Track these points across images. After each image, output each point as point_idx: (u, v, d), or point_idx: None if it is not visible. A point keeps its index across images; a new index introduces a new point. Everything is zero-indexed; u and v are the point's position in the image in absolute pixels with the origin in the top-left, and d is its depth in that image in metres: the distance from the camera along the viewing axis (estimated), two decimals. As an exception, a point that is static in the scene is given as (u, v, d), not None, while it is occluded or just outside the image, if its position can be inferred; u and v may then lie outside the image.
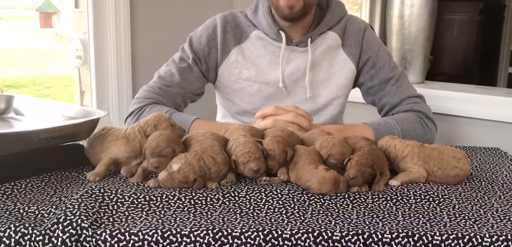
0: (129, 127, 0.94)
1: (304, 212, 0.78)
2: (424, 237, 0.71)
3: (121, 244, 0.68)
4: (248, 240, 0.70)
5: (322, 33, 1.31)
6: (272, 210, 0.79)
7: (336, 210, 0.79)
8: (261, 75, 1.31)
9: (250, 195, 0.83)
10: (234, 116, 1.37)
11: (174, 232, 0.69)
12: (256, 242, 0.70)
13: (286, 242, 0.70)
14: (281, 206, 0.80)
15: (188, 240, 0.69)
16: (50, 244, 0.68)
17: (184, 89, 1.31)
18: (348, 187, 0.87)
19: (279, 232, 0.70)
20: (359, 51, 1.33)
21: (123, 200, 0.79)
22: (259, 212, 0.78)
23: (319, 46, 1.32)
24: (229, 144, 0.94)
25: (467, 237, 0.71)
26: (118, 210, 0.77)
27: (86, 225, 0.69)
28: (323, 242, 0.70)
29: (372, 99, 1.37)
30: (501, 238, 0.71)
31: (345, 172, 0.88)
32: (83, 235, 0.69)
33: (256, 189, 0.86)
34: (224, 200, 0.82)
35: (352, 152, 0.92)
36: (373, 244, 0.71)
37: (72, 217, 0.70)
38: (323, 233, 0.71)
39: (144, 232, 0.69)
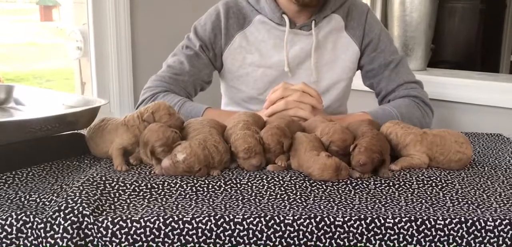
0: (129, 114, 0.94)
1: (306, 198, 0.78)
2: (427, 222, 0.71)
3: (123, 231, 0.68)
4: (250, 226, 0.70)
5: (326, 16, 1.31)
6: (274, 196, 0.78)
7: (338, 196, 0.79)
8: (264, 59, 1.31)
9: (252, 182, 0.83)
10: (239, 103, 1.38)
11: (176, 218, 0.69)
12: (258, 228, 0.70)
13: (288, 227, 0.70)
14: (283, 192, 0.80)
15: (190, 227, 0.69)
16: (52, 232, 0.68)
17: (194, 77, 1.31)
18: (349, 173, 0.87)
19: (281, 218, 0.70)
20: (362, 34, 1.34)
21: (124, 187, 0.79)
22: (261, 198, 0.78)
23: (323, 28, 1.32)
24: (228, 131, 0.93)
25: (470, 221, 0.71)
26: (120, 197, 0.76)
27: (88, 213, 0.69)
28: (325, 228, 0.70)
29: (370, 82, 1.38)
30: (504, 222, 0.71)
31: (354, 158, 0.87)
32: (85, 223, 0.69)
33: (258, 175, 0.85)
34: (226, 187, 0.81)
35: (353, 138, 0.92)
36: (375, 229, 0.70)
37: (74, 204, 0.70)
38: (325, 219, 0.70)
39: (146, 219, 0.69)
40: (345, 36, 1.33)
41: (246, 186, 0.82)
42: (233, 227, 0.69)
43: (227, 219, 0.70)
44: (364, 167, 0.86)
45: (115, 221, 0.69)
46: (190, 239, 0.69)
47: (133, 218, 0.69)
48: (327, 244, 0.70)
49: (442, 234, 0.70)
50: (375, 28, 1.34)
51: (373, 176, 0.88)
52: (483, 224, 0.71)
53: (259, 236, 0.69)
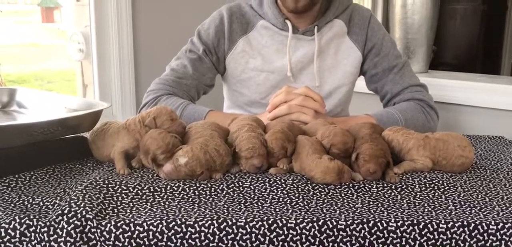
0: (130, 118, 0.94)
1: (309, 202, 0.78)
2: (429, 225, 0.71)
3: (126, 235, 0.68)
4: (253, 229, 0.70)
5: (328, 21, 1.31)
6: (276, 200, 0.78)
7: (341, 199, 0.79)
8: (267, 64, 1.31)
9: (254, 185, 0.83)
10: (242, 107, 1.38)
11: (179, 222, 0.69)
12: (261, 232, 0.70)
13: (291, 231, 0.70)
14: (286, 195, 0.80)
15: (193, 230, 0.69)
16: (55, 236, 0.68)
17: (197, 80, 1.32)
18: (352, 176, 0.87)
19: (284, 222, 0.70)
20: (364, 39, 1.34)
21: (127, 191, 0.79)
22: (263, 202, 0.78)
23: (326, 34, 1.32)
24: (232, 134, 0.94)
25: (472, 224, 0.71)
26: (123, 201, 0.77)
27: (91, 216, 0.69)
28: (328, 231, 0.70)
29: (374, 86, 1.38)
30: (506, 225, 0.71)
31: (361, 168, 0.87)
32: (88, 226, 0.69)
33: (260, 179, 0.86)
34: (229, 191, 0.82)
35: (354, 141, 0.92)
36: (378, 233, 0.71)
37: (77, 208, 0.70)
38: (328, 222, 0.70)
39: (148, 222, 0.69)
40: (347, 42, 1.34)
41: (249, 189, 0.82)
42: (235, 231, 0.70)
43: (230, 223, 0.70)
44: (375, 175, 0.86)
45: (118, 224, 0.69)
46: (193, 243, 0.69)
47: (136, 222, 0.69)
48: (329, 247, 0.70)
49: (445, 237, 0.70)
50: (378, 33, 1.34)
51: (384, 180, 0.88)
52: (485, 228, 0.71)
53: (262, 239, 0.70)
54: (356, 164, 0.88)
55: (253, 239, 0.69)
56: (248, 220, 0.70)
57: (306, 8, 1.25)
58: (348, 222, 0.71)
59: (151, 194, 0.79)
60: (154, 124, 0.91)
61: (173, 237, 0.69)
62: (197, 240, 0.69)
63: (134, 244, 0.68)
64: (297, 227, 0.70)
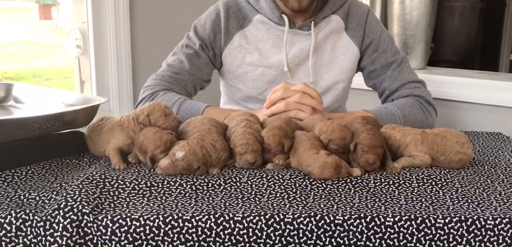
0: (124, 115, 0.93)
1: (306, 197, 0.78)
2: (427, 220, 0.71)
3: (122, 230, 0.68)
4: (250, 224, 0.69)
5: (325, 17, 1.31)
6: (274, 195, 0.78)
7: (338, 194, 0.79)
8: (264, 59, 1.31)
9: (252, 180, 0.83)
10: (238, 102, 1.37)
11: (175, 217, 0.69)
12: (258, 227, 0.69)
13: (288, 226, 0.70)
14: (283, 191, 0.80)
15: (190, 225, 0.69)
16: (51, 230, 0.68)
17: (194, 76, 1.31)
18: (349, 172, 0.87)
19: (281, 216, 0.70)
20: (362, 35, 1.33)
21: (124, 186, 0.79)
22: (261, 197, 0.78)
23: (322, 29, 1.31)
24: (230, 130, 0.93)
25: (470, 220, 0.71)
26: (119, 195, 0.76)
27: (87, 211, 0.69)
28: (325, 226, 0.70)
29: (373, 83, 1.37)
30: (504, 221, 0.71)
31: (360, 159, 0.87)
32: (84, 221, 0.68)
33: (257, 174, 0.85)
34: (226, 186, 0.81)
35: (352, 136, 0.92)
36: (375, 228, 0.70)
37: (73, 203, 0.70)
38: (325, 217, 0.70)
39: (145, 217, 0.69)
40: (345, 37, 1.33)
41: (246, 184, 0.82)
42: (232, 226, 0.69)
43: (227, 218, 0.70)
44: (373, 165, 0.86)
45: (115, 219, 0.69)
46: (190, 238, 0.69)
47: (132, 217, 0.69)
48: (327, 242, 0.70)
49: (442, 232, 0.70)
50: (376, 29, 1.34)
51: (384, 172, 0.88)
52: (483, 223, 0.71)
53: (259, 234, 0.69)
54: (354, 155, 0.88)
55: (250, 234, 0.69)
56: (246, 214, 0.70)
57: (309, 5, 1.26)
58: (346, 217, 0.70)
59: (147, 188, 0.79)
60: (148, 121, 0.90)
61: (169, 231, 0.69)
62: (194, 235, 0.69)
63: (130, 239, 0.68)
64: (294, 222, 0.70)
